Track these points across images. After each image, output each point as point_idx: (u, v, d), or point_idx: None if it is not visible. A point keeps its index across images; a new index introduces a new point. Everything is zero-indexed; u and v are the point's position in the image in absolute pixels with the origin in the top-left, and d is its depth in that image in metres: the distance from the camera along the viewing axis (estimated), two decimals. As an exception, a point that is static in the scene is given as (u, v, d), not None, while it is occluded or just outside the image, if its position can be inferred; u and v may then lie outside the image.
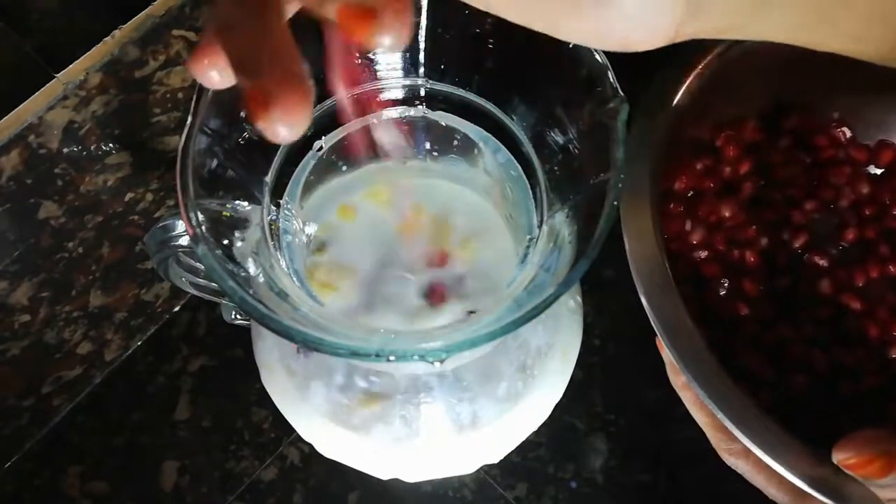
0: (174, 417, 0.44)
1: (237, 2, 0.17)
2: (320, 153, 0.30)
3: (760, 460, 0.28)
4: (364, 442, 0.32)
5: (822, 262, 0.37)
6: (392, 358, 0.21)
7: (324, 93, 0.29)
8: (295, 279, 0.27)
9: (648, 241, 0.31)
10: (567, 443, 0.42)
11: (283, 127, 0.15)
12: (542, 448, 0.42)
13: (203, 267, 0.29)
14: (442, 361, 0.21)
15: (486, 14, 0.26)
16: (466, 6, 0.26)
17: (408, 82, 0.29)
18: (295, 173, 0.29)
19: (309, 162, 0.29)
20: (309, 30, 0.27)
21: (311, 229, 0.31)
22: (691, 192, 0.38)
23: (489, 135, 0.29)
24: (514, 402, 0.32)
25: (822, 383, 0.34)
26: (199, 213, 0.22)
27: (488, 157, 0.30)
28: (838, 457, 0.27)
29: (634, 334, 0.45)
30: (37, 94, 0.30)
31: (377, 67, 0.29)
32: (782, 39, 0.21)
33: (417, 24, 0.27)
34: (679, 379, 0.31)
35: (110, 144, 0.34)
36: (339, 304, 0.30)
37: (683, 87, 0.35)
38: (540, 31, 0.20)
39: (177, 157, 0.22)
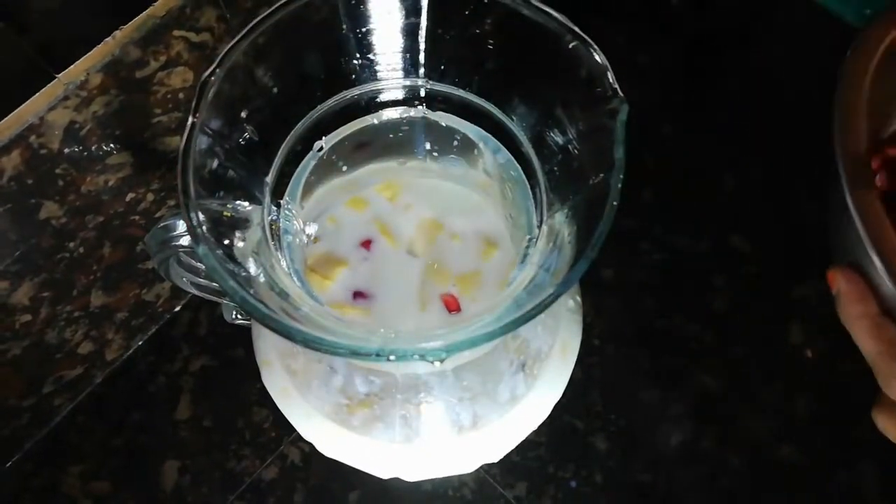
0: (175, 417, 0.44)
1: None
2: (321, 153, 0.30)
3: None
4: (364, 441, 0.32)
5: None
6: (392, 357, 0.21)
7: (324, 92, 0.29)
8: (295, 279, 0.27)
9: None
10: (567, 442, 0.42)
11: None
12: (541, 447, 0.42)
13: (204, 267, 0.29)
14: (442, 361, 0.21)
15: (486, 14, 0.26)
16: (467, 6, 0.26)
17: (408, 83, 0.29)
18: (295, 174, 0.29)
19: (309, 162, 0.30)
20: (308, 31, 0.27)
21: (311, 229, 0.32)
22: None
23: (489, 135, 0.30)
24: (514, 402, 0.32)
25: None
26: (200, 214, 0.22)
27: (488, 158, 0.30)
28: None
29: (634, 334, 0.45)
30: (38, 94, 0.30)
31: (377, 68, 0.29)
32: None
33: (417, 25, 0.27)
34: (855, 309, 0.29)
35: (111, 145, 0.34)
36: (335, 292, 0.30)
37: None
38: None
39: (178, 157, 0.22)
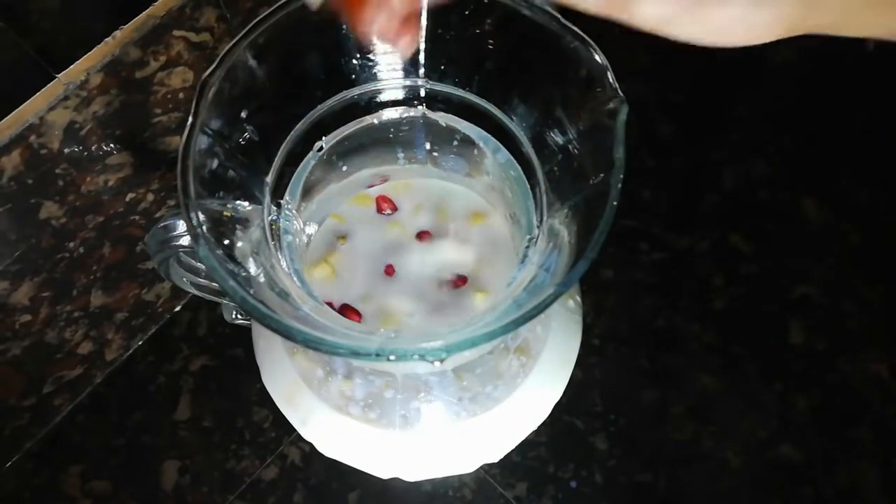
0: (175, 417, 0.44)
1: None
2: (321, 153, 0.30)
3: None
4: (364, 441, 0.32)
5: None
6: (392, 357, 0.21)
7: (324, 93, 0.29)
8: (295, 279, 0.27)
9: None
10: (567, 442, 0.42)
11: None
12: (541, 447, 0.42)
13: (204, 267, 0.29)
14: (442, 361, 0.21)
15: (486, 14, 0.26)
16: (467, 6, 0.26)
17: (408, 83, 0.29)
18: (295, 174, 0.29)
19: (309, 162, 0.30)
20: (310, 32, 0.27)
21: (311, 229, 0.32)
22: None
23: (489, 135, 0.30)
24: (514, 402, 0.32)
25: None
26: (200, 214, 0.22)
27: (488, 158, 0.30)
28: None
29: (634, 334, 0.45)
30: (38, 94, 0.30)
31: (377, 68, 0.29)
32: (882, 35, 0.21)
33: (417, 25, 0.27)
34: None
35: (111, 145, 0.34)
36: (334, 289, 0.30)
37: None
38: (648, 30, 0.20)
39: (178, 157, 0.22)
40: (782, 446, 0.42)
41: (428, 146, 0.32)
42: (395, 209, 0.32)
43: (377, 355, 0.21)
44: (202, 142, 0.23)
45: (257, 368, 0.34)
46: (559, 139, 0.26)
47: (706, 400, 0.43)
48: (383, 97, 0.30)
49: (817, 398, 0.43)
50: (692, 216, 0.48)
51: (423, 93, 0.29)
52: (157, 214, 0.40)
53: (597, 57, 0.24)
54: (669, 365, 0.44)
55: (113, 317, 0.42)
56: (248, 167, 0.26)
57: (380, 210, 0.33)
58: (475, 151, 0.30)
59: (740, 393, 0.43)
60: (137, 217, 0.39)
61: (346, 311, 0.30)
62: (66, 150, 0.32)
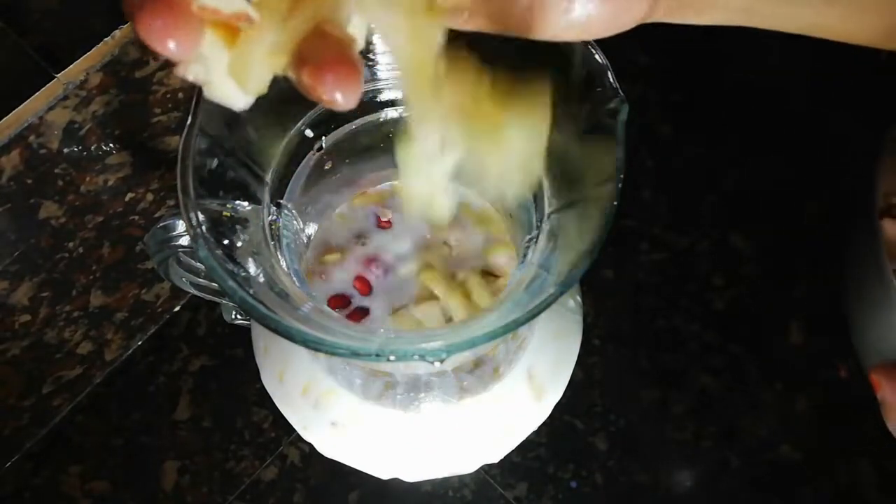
0: (174, 417, 0.44)
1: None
2: (321, 153, 0.30)
3: None
4: (364, 441, 0.32)
5: None
6: (392, 358, 0.21)
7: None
8: (295, 279, 0.27)
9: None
10: (567, 442, 0.42)
11: (340, 94, 0.17)
12: (541, 448, 0.42)
13: (203, 267, 0.29)
14: (442, 361, 0.21)
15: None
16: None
17: (408, 82, 0.29)
18: (295, 174, 0.29)
19: (309, 162, 0.29)
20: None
21: (311, 229, 0.32)
22: None
23: (489, 135, 0.29)
24: (514, 402, 0.32)
25: None
26: (199, 214, 0.22)
27: (488, 157, 0.30)
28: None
29: (634, 334, 0.45)
30: (37, 94, 0.30)
31: (377, 68, 0.29)
32: (742, 22, 0.21)
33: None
34: None
35: (111, 144, 0.34)
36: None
37: None
38: (513, 34, 0.20)
39: (177, 157, 0.22)
40: (782, 446, 0.42)
41: (428, 146, 0.32)
42: (389, 225, 0.32)
43: (377, 355, 0.21)
44: (201, 142, 0.23)
45: (257, 368, 0.34)
46: (559, 139, 0.26)
47: (706, 400, 0.43)
48: (383, 97, 0.30)
49: (817, 398, 0.43)
50: (692, 216, 0.48)
51: (422, 92, 0.29)
52: (157, 214, 0.40)
53: (597, 57, 0.24)
54: (669, 365, 0.44)
55: (112, 317, 0.42)
56: (247, 167, 0.26)
57: (380, 225, 0.32)
58: (475, 151, 0.30)
59: (740, 393, 0.43)
60: (137, 217, 0.39)
61: (332, 301, 0.30)
62: (66, 150, 0.32)
